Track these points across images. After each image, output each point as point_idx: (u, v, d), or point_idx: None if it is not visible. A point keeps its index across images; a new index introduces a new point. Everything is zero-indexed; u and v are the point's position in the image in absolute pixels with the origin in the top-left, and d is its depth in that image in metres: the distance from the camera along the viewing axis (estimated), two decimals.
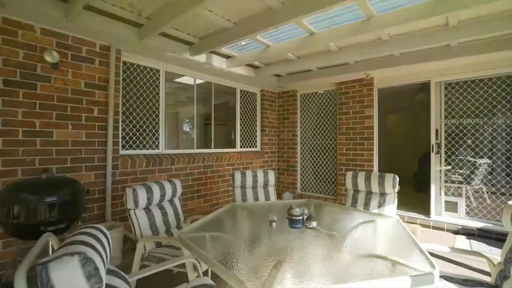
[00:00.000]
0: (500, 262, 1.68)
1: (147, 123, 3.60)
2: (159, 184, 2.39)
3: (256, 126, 5.45)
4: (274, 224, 1.98)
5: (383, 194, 2.78)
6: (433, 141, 4.13)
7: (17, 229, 1.94)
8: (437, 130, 4.11)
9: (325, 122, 5.17)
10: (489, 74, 3.65)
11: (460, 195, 3.93)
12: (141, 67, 3.53)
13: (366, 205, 2.85)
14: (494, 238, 3.49)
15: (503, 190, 3.65)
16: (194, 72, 4.16)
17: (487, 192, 3.81)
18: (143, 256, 2.07)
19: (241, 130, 5.11)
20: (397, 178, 2.71)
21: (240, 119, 5.10)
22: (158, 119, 3.72)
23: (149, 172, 3.46)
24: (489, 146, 3.77)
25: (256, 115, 5.46)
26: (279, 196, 5.30)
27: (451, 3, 2.30)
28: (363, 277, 1.27)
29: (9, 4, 2.19)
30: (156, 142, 3.71)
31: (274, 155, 5.72)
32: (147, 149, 3.61)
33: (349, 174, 3.04)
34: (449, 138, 4.00)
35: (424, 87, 4.51)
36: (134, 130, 3.47)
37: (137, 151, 3.49)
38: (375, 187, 2.80)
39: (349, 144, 4.71)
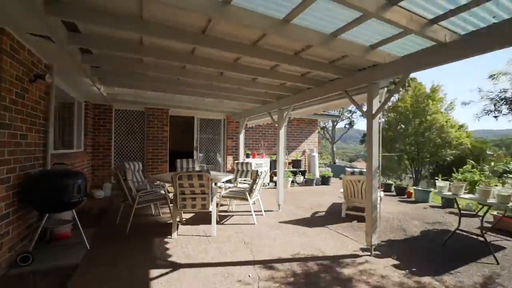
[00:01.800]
0: None
1: None
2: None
3: (81, 130, 6.65)
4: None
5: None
6: (195, 144, 8.45)
7: (48, 205, 3.11)
8: (196, 139, 8.48)
9: (136, 132, 7.74)
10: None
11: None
12: None
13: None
14: None
15: None
16: None
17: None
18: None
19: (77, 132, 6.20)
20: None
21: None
22: None
23: None
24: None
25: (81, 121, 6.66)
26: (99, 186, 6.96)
27: None
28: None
29: None
30: None
31: (91, 154, 7.14)
32: None
33: (177, 161, 6.32)
34: (200, 144, 8.52)
35: (190, 120, 8.75)
36: None
37: None
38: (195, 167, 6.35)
39: (153, 146, 7.76)
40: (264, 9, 2.34)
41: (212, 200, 4.01)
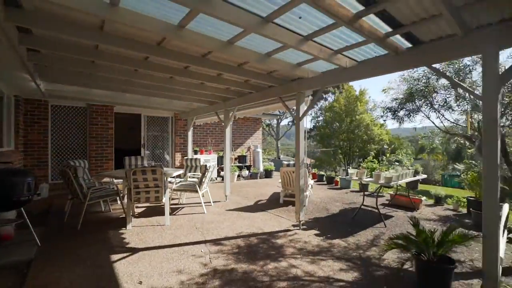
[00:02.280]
0: None
1: None
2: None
3: (11, 126, 6.15)
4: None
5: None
6: (142, 141, 8.48)
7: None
8: (143, 137, 8.51)
9: (77, 129, 7.42)
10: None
11: None
12: None
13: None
14: None
15: None
16: None
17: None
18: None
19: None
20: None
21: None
22: None
23: None
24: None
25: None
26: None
27: None
28: None
29: None
30: None
31: (23, 153, 6.64)
32: None
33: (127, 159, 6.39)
34: (147, 141, 8.59)
35: (136, 117, 8.70)
36: None
37: None
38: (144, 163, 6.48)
39: (97, 144, 7.57)
40: (212, 33, 2.92)
41: (165, 193, 4.42)
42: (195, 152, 9.45)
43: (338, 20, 2.36)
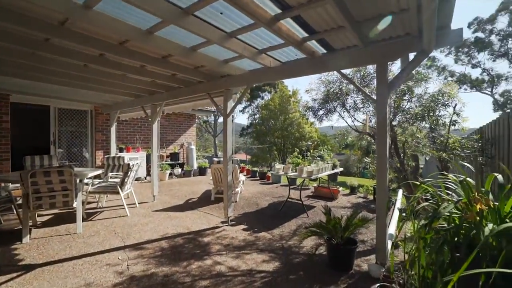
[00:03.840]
0: None
1: None
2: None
3: None
4: None
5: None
6: (52, 138, 7.27)
7: None
8: (53, 133, 7.31)
9: None
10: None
11: None
12: None
13: None
14: None
15: None
16: None
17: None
18: None
19: None
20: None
21: None
22: None
23: None
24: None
25: None
26: None
27: None
28: None
29: None
30: None
31: None
32: None
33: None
34: (59, 138, 7.42)
35: (45, 110, 7.40)
36: None
37: None
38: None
39: None
40: (127, 19, 2.66)
41: (76, 196, 3.88)
42: (121, 150, 8.59)
43: (257, 21, 2.43)
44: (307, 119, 19.86)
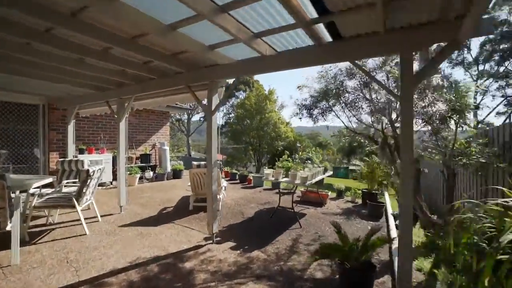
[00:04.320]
0: None
1: None
2: None
3: None
4: None
5: None
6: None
7: None
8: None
9: None
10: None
11: None
12: None
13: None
14: None
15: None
16: None
17: None
18: None
19: None
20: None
21: None
22: None
23: None
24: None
25: None
26: None
27: None
28: None
29: None
30: None
31: None
32: None
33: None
34: (0, 137, 6.14)
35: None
36: None
37: None
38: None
39: None
40: None
41: (12, 216, 2.96)
42: (81, 151, 7.43)
43: None
44: (300, 118, 19.39)
